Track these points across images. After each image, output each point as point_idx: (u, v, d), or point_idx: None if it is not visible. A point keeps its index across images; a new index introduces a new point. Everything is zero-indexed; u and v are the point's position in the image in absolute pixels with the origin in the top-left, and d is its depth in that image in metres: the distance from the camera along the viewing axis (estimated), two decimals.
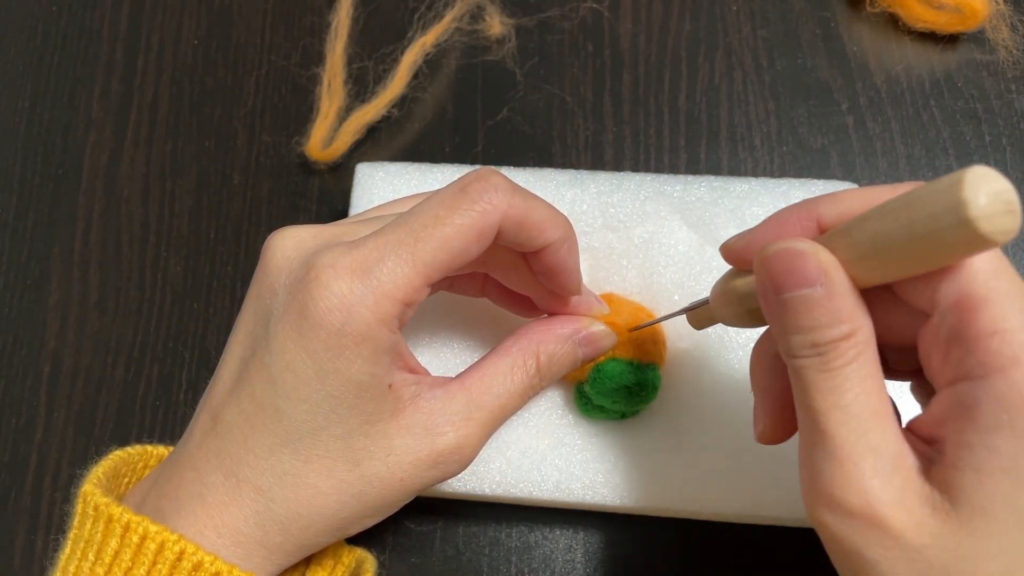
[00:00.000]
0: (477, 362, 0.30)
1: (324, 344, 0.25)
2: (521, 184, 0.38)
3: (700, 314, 0.31)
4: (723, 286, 0.28)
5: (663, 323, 0.34)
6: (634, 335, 0.33)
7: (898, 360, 0.27)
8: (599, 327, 0.32)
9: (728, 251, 0.28)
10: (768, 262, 0.24)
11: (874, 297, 0.24)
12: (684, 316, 0.32)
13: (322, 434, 0.26)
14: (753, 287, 0.26)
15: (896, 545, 0.21)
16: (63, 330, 0.42)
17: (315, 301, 0.25)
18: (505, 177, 0.28)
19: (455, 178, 0.39)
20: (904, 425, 0.25)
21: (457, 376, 0.29)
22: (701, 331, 0.33)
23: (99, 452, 0.40)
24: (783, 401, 0.27)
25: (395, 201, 0.33)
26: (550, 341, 0.31)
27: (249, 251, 0.43)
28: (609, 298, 0.34)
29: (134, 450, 0.31)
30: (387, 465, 0.27)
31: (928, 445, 0.23)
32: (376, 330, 0.25)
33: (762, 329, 0.29)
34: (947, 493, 0.22)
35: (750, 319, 0.28)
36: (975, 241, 0.20)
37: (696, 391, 0.35)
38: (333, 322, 0.25)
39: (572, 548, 0.36)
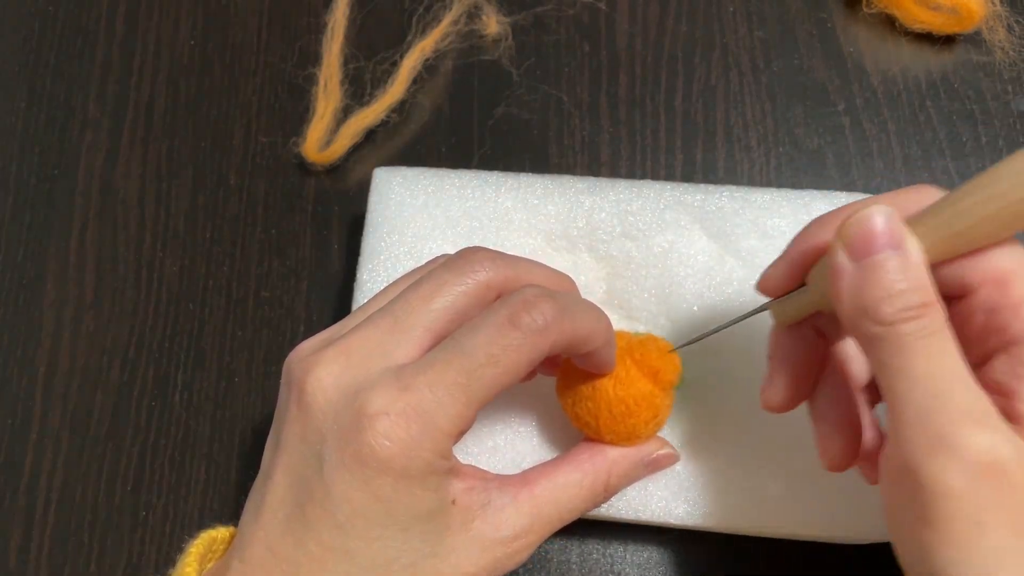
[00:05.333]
0: (547, 466, 0.31)
1: (391, 486, 0.26)
2: (540, 191, 0.38)
3: (788, 306, 0.29)
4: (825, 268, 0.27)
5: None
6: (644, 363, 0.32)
7: None
8: (667, 450, 0.33)
9: (776, 271, 0.28)
10: (857, 223, 0.24)
11: None
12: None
13: (393, 565, 0.27)
14: None
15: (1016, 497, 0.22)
16: (58, 330, 0.42)
17: (374, 450, 0.26)
18: (552, 299, 0.27)
19: (472, 184, 0.38)
20: None
21: (524, 477, 0.30)
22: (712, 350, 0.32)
23: (93, 453, 0.40)
24: (802, 369, 0.29)
25: (400, 280, 0.31)
26: (624, 464, 0.32)
27: (245, 251, 0.43)
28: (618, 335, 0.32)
29: (217, 533, 0.30)
30: (452, 572, 0.28)
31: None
32: (437, 463, 0.27)
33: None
34: None
35: None
36: None
37: (692, 405, 0.35)
38: (396, 467, 0.26)
39: (567, 549, 0.37)
